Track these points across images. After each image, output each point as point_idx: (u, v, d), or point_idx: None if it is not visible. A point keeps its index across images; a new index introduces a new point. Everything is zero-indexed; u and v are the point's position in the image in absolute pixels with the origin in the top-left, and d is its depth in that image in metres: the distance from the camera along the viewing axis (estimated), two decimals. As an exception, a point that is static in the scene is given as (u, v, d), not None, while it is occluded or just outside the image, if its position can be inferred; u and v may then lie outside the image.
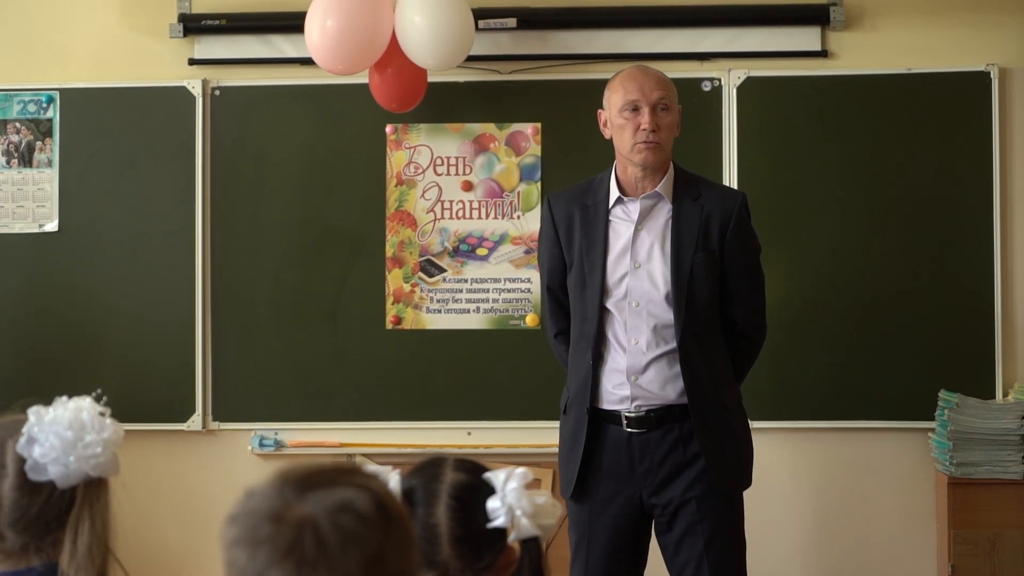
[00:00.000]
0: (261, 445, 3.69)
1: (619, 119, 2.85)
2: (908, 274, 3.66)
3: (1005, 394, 3.55)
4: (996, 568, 3.40)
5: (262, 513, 1.09)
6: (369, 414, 3.78)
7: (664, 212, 2.86)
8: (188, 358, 3.76)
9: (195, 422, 3.69)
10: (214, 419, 3.74)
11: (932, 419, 3.48)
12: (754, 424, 3.12)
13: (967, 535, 3.40)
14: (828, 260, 3.70)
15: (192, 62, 3.74)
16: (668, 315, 2.81)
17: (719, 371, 2.92)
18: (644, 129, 2.79)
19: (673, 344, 2.82)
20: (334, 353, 3.83)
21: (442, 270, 3.75)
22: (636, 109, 2.81)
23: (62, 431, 1.64)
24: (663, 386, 2.84)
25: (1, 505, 1.65)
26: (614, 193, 2.86)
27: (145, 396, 3.71)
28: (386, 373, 3.81)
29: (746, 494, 2.99)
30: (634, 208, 2.84)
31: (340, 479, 1.14)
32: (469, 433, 3.68)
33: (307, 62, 3.51)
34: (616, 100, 2.88)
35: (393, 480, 1.66)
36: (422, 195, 3.73)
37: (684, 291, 2.83)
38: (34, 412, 1.65)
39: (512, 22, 3.65)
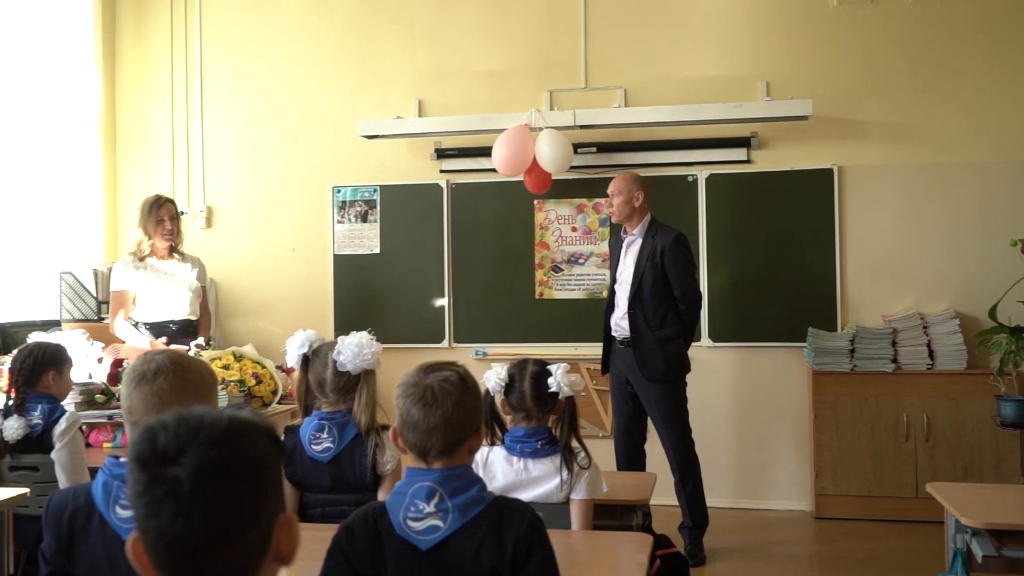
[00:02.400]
0: (476, 354, 4.96)
1: None
2: (794, 273, 4.76)
3: (842, 328, 4.72)
4: (838, 416, 4.58)
5: (410, 383, 1.46)
6: (526, 339, 4.99)
7: (638, 242, 3.89)
8: (441, 313, 5.03)
9: (444, 343, 5.05)
10: (455, 341, 5.06)
11: (805, 342, 4.70)
12: (716, 344, 4.53)
13: (822, 399, 4.61)
14: (748, 266, 4.79)
15: (442, 171, 5.09)
16: (630, 292, 3.82)
17: (656, 320, 3.80)
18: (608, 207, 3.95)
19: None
20: (511, 310, 5.00)
21: (562, 270, 4.90)
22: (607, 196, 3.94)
23: (353, 347, 2.18)
24: (627, 326, 3.89)
25: (327, 380, 2.26)
26: (624, 233, 3.94)
27: (422, 331, 5.06)
28: (535, 319, 4.97)
29: (697, 382, 3.97)
30: (626, 240, 3.93)
31: (444, 367, 1.47)
32: (576, 348, 4.86)
33: (493, 171, 4.76)
34: None
35: (505, 369, 2.19)
36: (551, 233, 4.93)
37: (637, 281, 3.84)
38: (340, 339, 2.24)
39: (594, 149, 4.88)
